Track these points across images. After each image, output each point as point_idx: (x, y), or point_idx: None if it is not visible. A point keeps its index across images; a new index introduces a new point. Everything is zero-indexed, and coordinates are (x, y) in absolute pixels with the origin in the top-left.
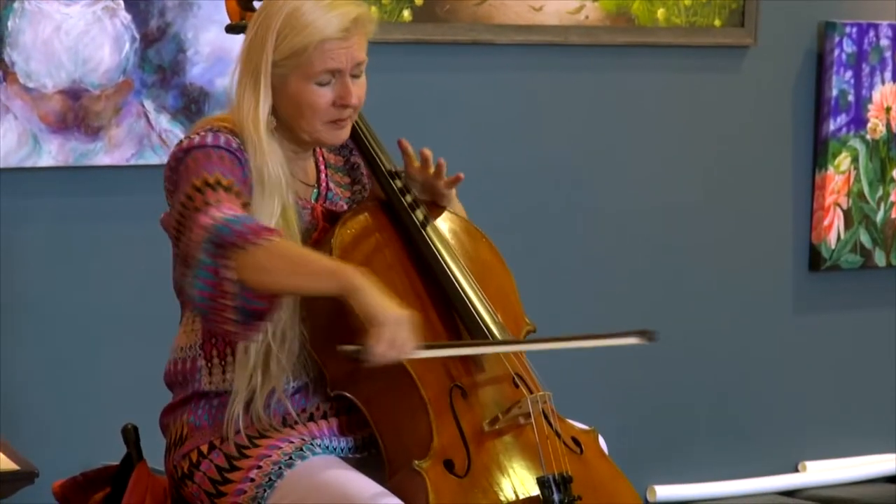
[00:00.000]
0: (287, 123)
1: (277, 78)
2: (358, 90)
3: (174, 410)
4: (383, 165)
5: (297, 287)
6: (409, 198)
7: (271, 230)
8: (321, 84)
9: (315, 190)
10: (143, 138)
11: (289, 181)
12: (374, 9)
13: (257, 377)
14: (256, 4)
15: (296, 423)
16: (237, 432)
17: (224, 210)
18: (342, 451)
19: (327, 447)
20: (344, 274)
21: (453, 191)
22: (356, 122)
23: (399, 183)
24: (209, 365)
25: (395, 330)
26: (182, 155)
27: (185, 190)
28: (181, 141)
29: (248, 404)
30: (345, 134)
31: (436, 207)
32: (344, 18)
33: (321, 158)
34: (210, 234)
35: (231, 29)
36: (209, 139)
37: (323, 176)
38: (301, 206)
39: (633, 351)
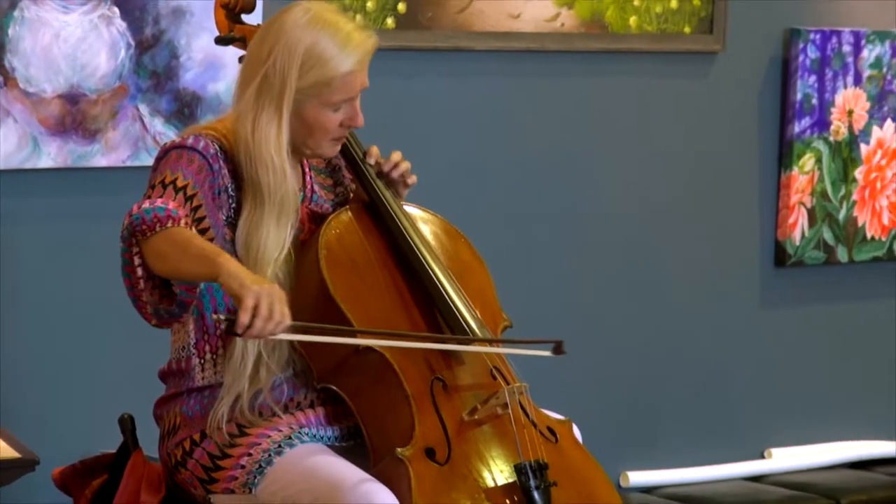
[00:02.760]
0: (292, 140)
1: (295, 103)
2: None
3: (167, 402)
4: (367, 168)
5: (184, 271)
6: (391, 199)
7: (173, 219)
8: (335, 109)
9: (301, 193)
10: (138, 141)
11: (296, 200)
12: (358, 17)
13: (245, 381)
14: (245, 18)
15: (284, 412)
16: (219, 429)
17: (151, 203)
18: (329, 439)
19: (314, 436)
20: (216, 259)
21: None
22: None
23: (381, 184)
24: (202, 361)
25: (259, 300)
26: (162, 154)
27: (148, 186)
28: (167, 142)
29: (235, 403)
30: (340, 147)
31: (417, 208)
32: (361, 51)
33: (305, 162)
34: (127, 223)
35: (220, 41)
36: (189, 141)
37: (308, 179)
38: None
39: (606, 344)
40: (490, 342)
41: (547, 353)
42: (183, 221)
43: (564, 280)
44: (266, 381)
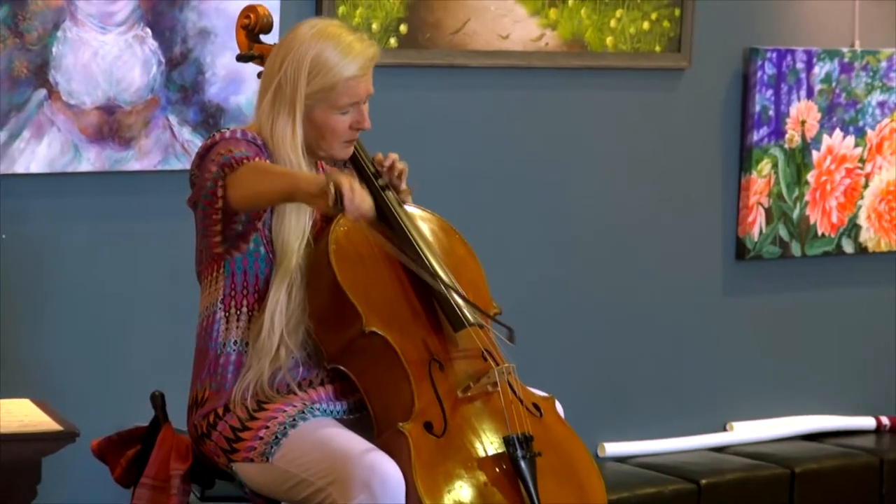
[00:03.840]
0: (306, 142)
1: (306, 108)
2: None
3: (196, 373)
4: (372, 173)
5: (265, 189)
6: (392, 199)
7: (256, 157)
8: (343, 113)
9: None
10: (168, 147)
11: None
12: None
13: (266, 362)
14: (263, 38)
15: (298, 389)
16: (241, 404)
17: (229, 153)
18: (337, 413)
19: (325, 410)
20: (294, 174)
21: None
22: None
23: (383, 184)
24: (227, 316)
25: (352, 184)
26: (211, 145)
27: (211, 161)
28: (208, 138)
29: (257, 382)
30: (352, 150)
31: (417, 208)
32: (363, 58)
33: (321, 167)
34: (218, 162)
35: (241, 58)
36: (238, 133)
37: None
38: None
39: (586, 329)
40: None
41: (501, 336)
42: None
43: (549, 272)
44: (285, 360)
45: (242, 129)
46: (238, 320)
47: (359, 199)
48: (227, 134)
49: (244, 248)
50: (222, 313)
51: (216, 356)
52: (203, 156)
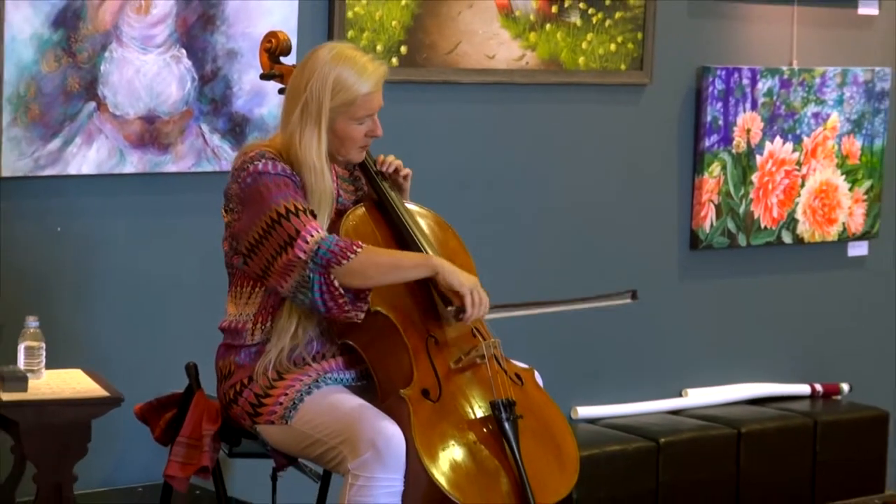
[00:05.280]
0: (328, 148)
1: (329, 121)
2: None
3: (225, 354)
4: (375, 172)
5: (391, 280)
6: (393, 195)
7: (356, 244)
8: (360, 123)
9: None
10: (200, 152)
11: (333, 197)
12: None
13: (287, 339)
14: (283, 59)
15: (313, 361)
16: (263, 375)
17: (312, 233)
18: (347, 381)
19: (336, 379)
20: (429, 262)
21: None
22: None
23: (387, 185)
24: (254, 327)
25: (473, 292)
26: (251, 180)
27: (268, 214)
28: (246, 164)
29: (277, 356)
30: (364, 154)
31: (416, 205)
32: (376, 76)
33: (334, 173)
34: (311, 256)
35: (264, 77)
36: (270, 167)
37: (336, 186)
38: None
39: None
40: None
41: (627, 301)
42: (361, 246)
43: (529, 261)
44: (302, 337)
45: (262, 152)
46: (263, 331)
47: (479, 310)
48: (261, 167)
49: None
50: (251, 325)
51: (243, 347)
52: (246, 187)
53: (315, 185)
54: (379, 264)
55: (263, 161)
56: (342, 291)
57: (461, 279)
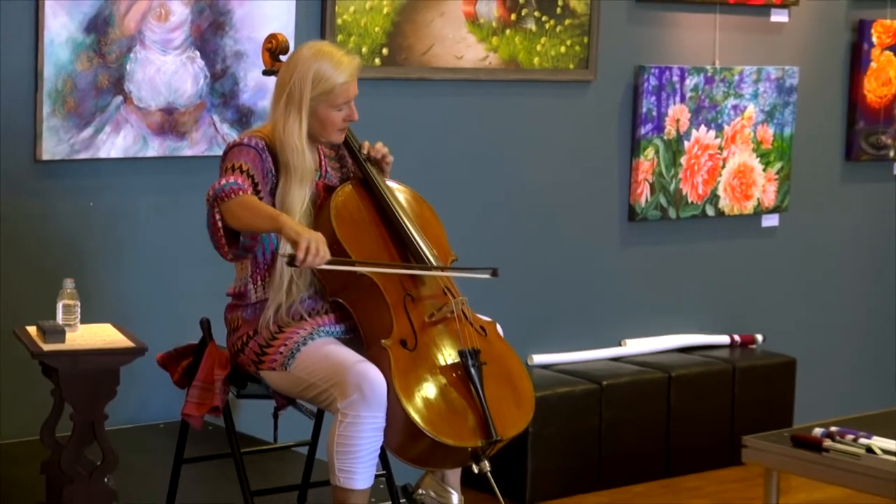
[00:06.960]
0: (310, 133)
1: (310, 108)
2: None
3: (232, 311)
4: (361, 155)
5: (254, 226)
6: (377, 176)
7: (242, 189)
8: (339, 109)
9: (318, 172)
10: (212, 139)
11: (313, 172)
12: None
13: (283, 295)
14: (282, 57)
15: (308, 316)
16: (266, 328)
17: (226, 179)
18: (337, 333)
19: (328, 332)
20: (278, 217)
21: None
22: None
23: (371, 166)
24: (255, 286)
25: (309, 242)
26: (228, 149)
27: (221, 169)
28: (231, 141)
29: (276, 311)
30: (344, 136)
31: (396, 183)
32: (350, 68)
33: (321, 152)
34: (211, 193)
35: (266, 73)
36: (245, 140)
37: (323, 163)
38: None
39: (519, 269)
40: (441, 269)
41: (486, 276)
42: (250, 191)
43: (492, 230)
44: (296, 295)
45: (250, 135)
46: (264, 288)
47: (311, 258)
48: (237, 140)
49: (256, 240)
50: (251, 285)
51: (248, 305)
52: (222, 156)
53: (297, 163)
54: (248, 210)
55: (247, 137)
56: (220, 226)
57: (299, 232)
